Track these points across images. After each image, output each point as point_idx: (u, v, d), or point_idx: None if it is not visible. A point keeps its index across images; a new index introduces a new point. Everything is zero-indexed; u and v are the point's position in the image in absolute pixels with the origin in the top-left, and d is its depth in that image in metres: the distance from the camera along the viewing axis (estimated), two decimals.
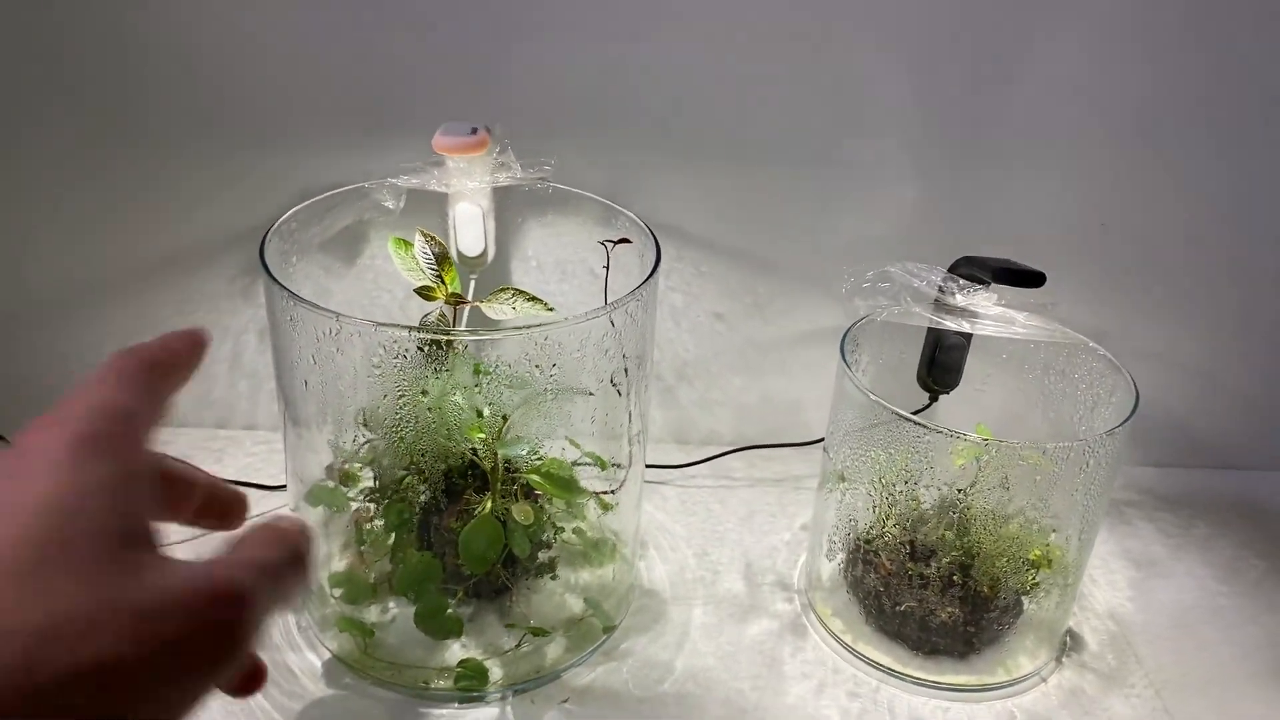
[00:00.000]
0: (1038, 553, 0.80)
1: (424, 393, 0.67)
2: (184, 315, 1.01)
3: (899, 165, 0.97)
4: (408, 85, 0.91)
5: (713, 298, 1.03)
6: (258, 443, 1.05)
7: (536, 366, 0.68)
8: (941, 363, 0.89)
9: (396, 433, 0.70)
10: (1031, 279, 0.77)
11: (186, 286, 1.00)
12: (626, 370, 0.77)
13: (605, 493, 0.84)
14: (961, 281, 0.81)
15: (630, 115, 0.94)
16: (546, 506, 0.84)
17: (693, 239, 1.00)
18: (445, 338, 0.67)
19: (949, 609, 0.81)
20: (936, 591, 0.81)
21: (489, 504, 0.76)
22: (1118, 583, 0.95)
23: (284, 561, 0.37)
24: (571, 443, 0.81)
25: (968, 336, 0.88)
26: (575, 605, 0.84)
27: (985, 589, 0.80)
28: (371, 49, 0.90)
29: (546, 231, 0.96)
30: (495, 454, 0.73)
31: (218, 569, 0.34)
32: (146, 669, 0.30)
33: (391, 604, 0.83)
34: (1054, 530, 0.80)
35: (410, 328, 0.64)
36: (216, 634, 0.32)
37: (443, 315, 0.76)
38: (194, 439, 1.05)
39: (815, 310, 1.03)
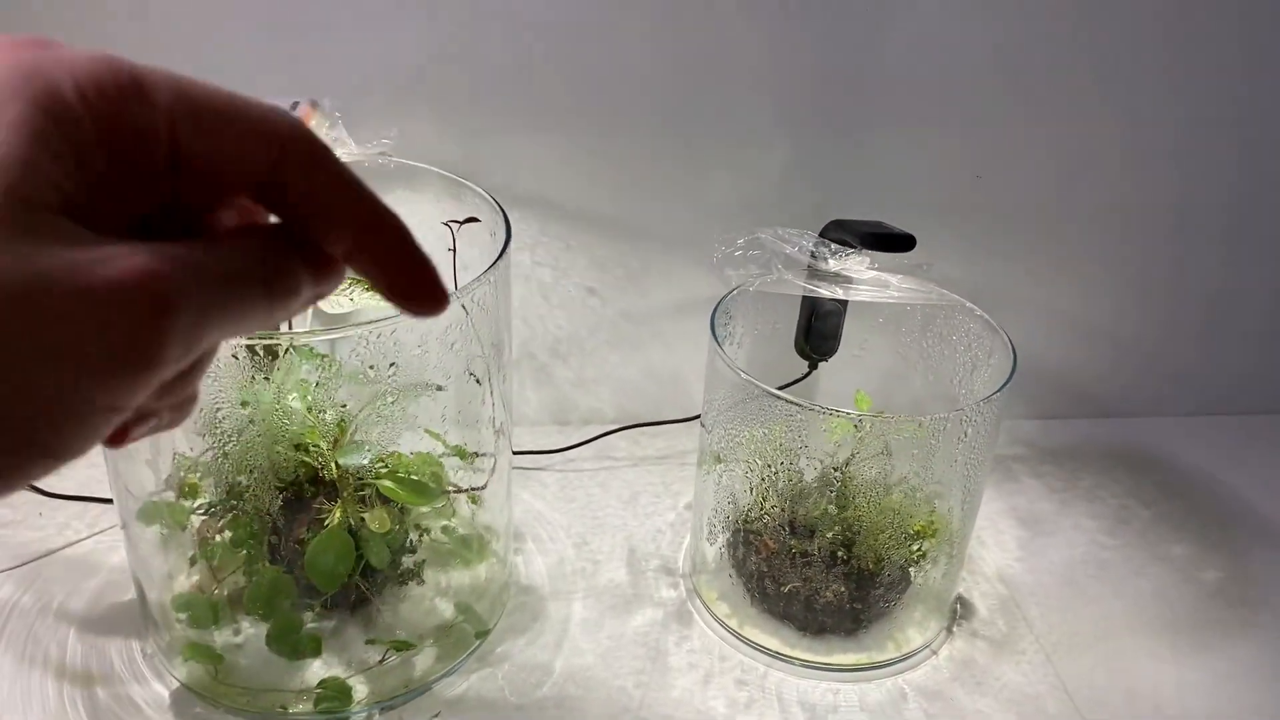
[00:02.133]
0: (921, 523, 0.77)
1: (244, 404, 0.61)
2: None
3: (766, 123, 0.92)
4: (234, 62, 0.84)
5: (583, 271, 0.98)
6: (99, 452, 0.97)
7: (370, 367, 0.62)
8: (818, 330, 0.86)
9: (221, 446, 0.63)
10: (901, 243, 0.74)
11: None
12: (483, 358, 0.71)
13: (472, 490, 0.79)
14: (833, 246, 0.78)
15: (479, 81, 0.87)
16: (409, 509, 0.79)
17: (557, 210, 0.94)
18: (260, 343, 0.61)
19: (834, 586, 0.78)
20: (821, 569, 0.78)
21: (338, 514, 0.70)
22: (1006, 543, 0.93)
23: (247, 274, 0.28)
24: (432, 435, 0.75)
25: (844, 302, 0.84)
26: (446, 610, 0.79)
27: (870, 564, 0.77)
28: (192, 10, 0.82)
29: (401, 211, 0.89)
30: (336, 463, 0.67)
31: (138, 258, 0.25)
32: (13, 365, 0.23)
33: (244, 625, 0.77)
34: (937, 498, 0.77)
35: None
36: (113, 339, 0.24)
37: None
38: None
39: (690, 279, 0.99)
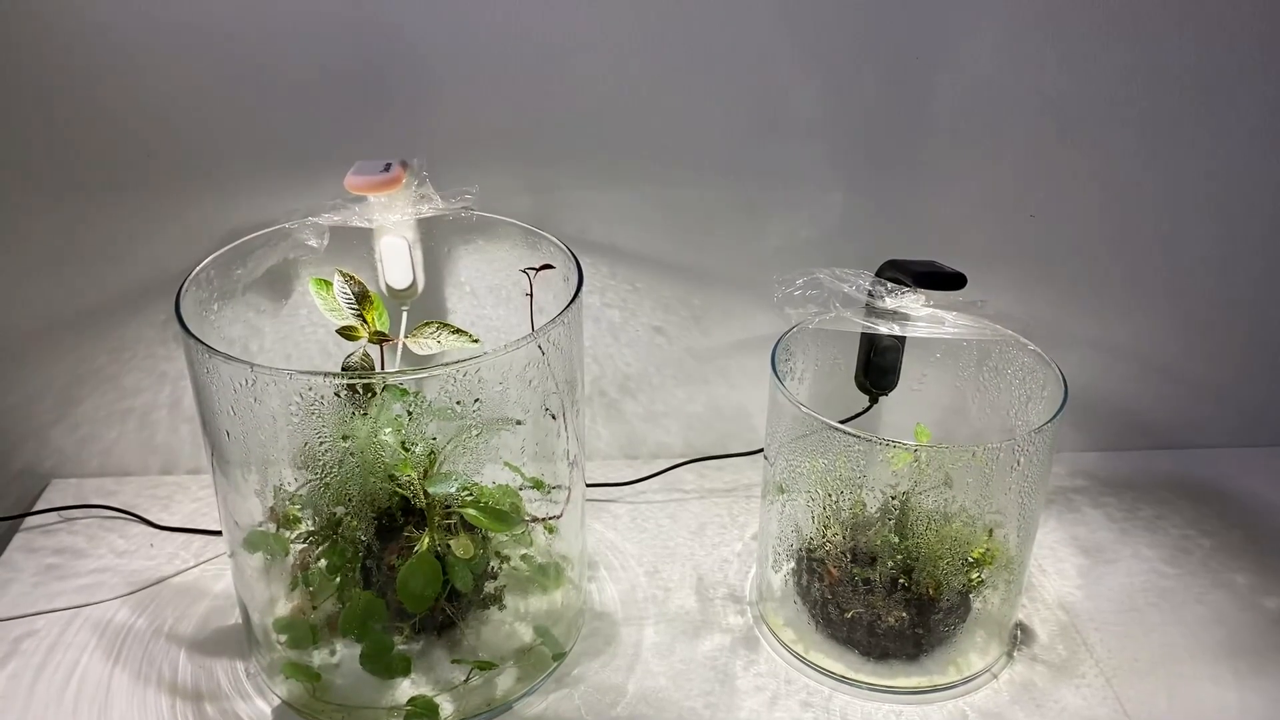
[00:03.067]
0: (979, 550, 0.80)
1: (345, 437, 0.66)
2: (120, 363, 1.00)
3: (823, 168, 0.97)
4: (330, 119, 0.91)
5: (649, 311, 1.03)
6: (203, 487, 1.04)
7: (458, 402, 0.67)
8: (877, 365, 0.89)
9: (321, 477, 0.69)
10: (953, 281, 0.78)
11: (121, 334, 0.99)
12: (558, 394, 0.77)
13: (547, 519, 0.84)
14: (889, 285, 0.82)
15: (551, 138, 0.93)
16: (490, 537, 0.84)
17: (625, 255, 1.00)
18: (359, 381, 0.67)
19: (896, 612, 0.81)
20: (882, 596, 0.81)
21: (426, 541, 0.75)
22: (1066, 571, 0.95)
23: None
24: (511, 467, 0.80)
25: (901, 338, 0.88)
26: (525, 634, 0.84)
27: (930, 590, 0.80)
28: (289, 81, 0.89)
29: (477, 258, 0.96)
30: (425, 492, 0.73)
31: None
32: None
33: (339, 646, 0.82)
34: (996, 526, 0.80)
35: (325, 374, 0.64)
36: None
37: (366, 355, 0.76)
38: (139, 487, 1.04)
39: (751, 317, 1.03)
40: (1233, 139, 0.98)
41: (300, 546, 0.81)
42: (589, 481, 1.05)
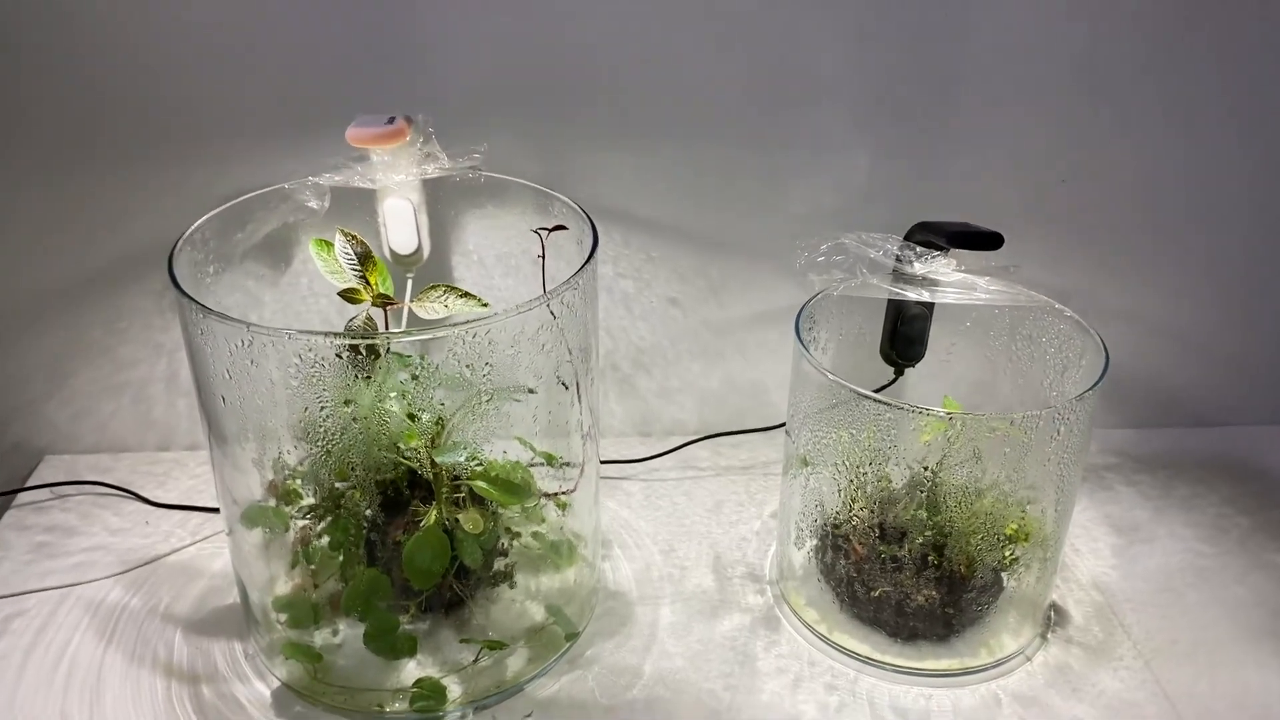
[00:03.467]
0: (1014, 526, 0.76)
1: (347, 403, 0.63)
2: (115, 335, 0.97)
3: (848, 132, 0.93)
4: (330, 79, 0.87)
5: (665, 282, 0.99)
6: (201, 464, 1.00)
7: (468, 366, 0.63)
8: (904, 334, 0.86)
9: (323, 446, 0.65)
10: (989, 241, 0.74)
11: (115, 306, 0.96)
12: (571, 363, 0.73)
13: (560, 493, 0.80)
14: (918, 249, 0.78)
15: (564, 97, 0.89)
16: (500, 512, 0.80)
17: (640, 223, 0.96)
18: (360, 341, 0.63)
19: (925, 591, 0.77)
20: (911, 574, 0.77)
21: (434, 514, 0.72)
22: (1100, 551, 0.91)
23: None
24: (522, 442, 0.77)
25: (930, 306, 0.84)
26: (536, 613, 0.81)
27: (961, 568, 0.76)
28: (287, 41, 0.85)
29: (485, 224, 0.92)
30: (433, 462, 0.69)
31: None
32: None
33: (342, 625, 0.78)
34: (1030, 502, 0.76)
35: (325, 333, 0.60)
36: None
37: (369, 319, 0.72)
38: (135, 463, 1.01)
39: (771, 289, 0.99)
40: (1272, 107, 0.93)
41: (302, 522, 0.77)
42: (602, 459, 1.01)
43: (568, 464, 0.79)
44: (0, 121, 0.86)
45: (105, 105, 0.86)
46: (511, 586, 0.80)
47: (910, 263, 0.78)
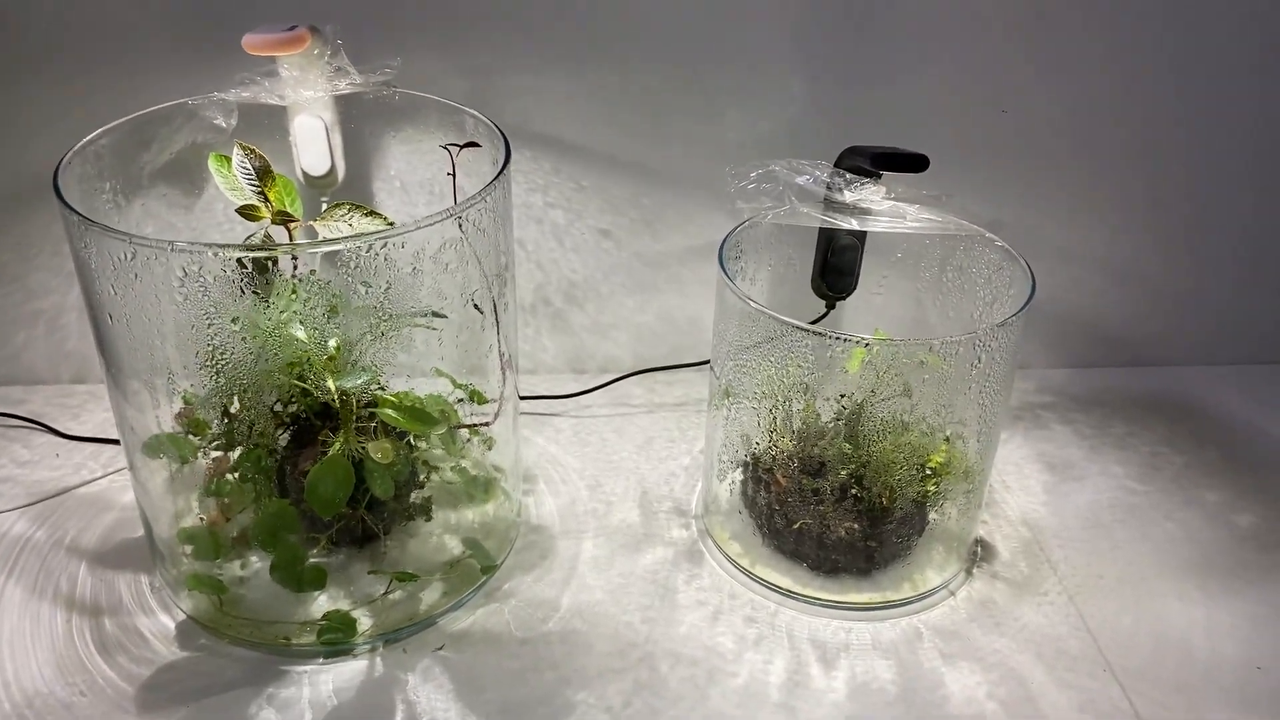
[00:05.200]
0: (937, 459, 0.75)
1: (234, 320, 0.60)
2: (24, 260, 0.93)
3: (784, 55, 0.90)
4: None
5: (596, 213, 0.96)
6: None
7: (364, 285, 0.61)
8: (835, 266, 0.83)
9: (212, 369, 0.63)
10: (914, 163, 0.72)
11: (23, 230, 0.92)
12: (486, 287, 0.70)
13: (477, 425, 0.78)
14: (849, 176, 0.76)
15: (493, 12, 0.86)
16: (418, 445, 0.78)
17: (570, 150, 0.93)
18: (250, 254, 0.60)
19: (846, 524, 0.76)
20: (832, 505, 0.76)
21: (338, 443, 0.69)
22: (1031, 487, 0.90)
23: None
24: (441, 374, 0.74)
25: (861, 237, 0.82)
26: (454, 547, 0.79)
27: (883, 499, 0.75)
28: None
29: (406, 148, 0.88)
30: (333, 387, 0.66)
31: None
32: None
33: (253, 558, 0.76)
34: (955, 437, 0.75)
35: (209, 245, 0.57)
36: None
37: (268, 236, 0.69)
38: (49, 396, 0.98)
39: (706, 222, 0.97)
40: (1222, 30, 0.91)
41: (214, 454, 0.75)
42: (531, 394, 0.99)
43: (486, 398, 0.77)
44: None
45: (7, 18, 0.82)
46: (428, 520, 0.78)
47: (840, 190, 0.76)
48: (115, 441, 0.91)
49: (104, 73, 0.85)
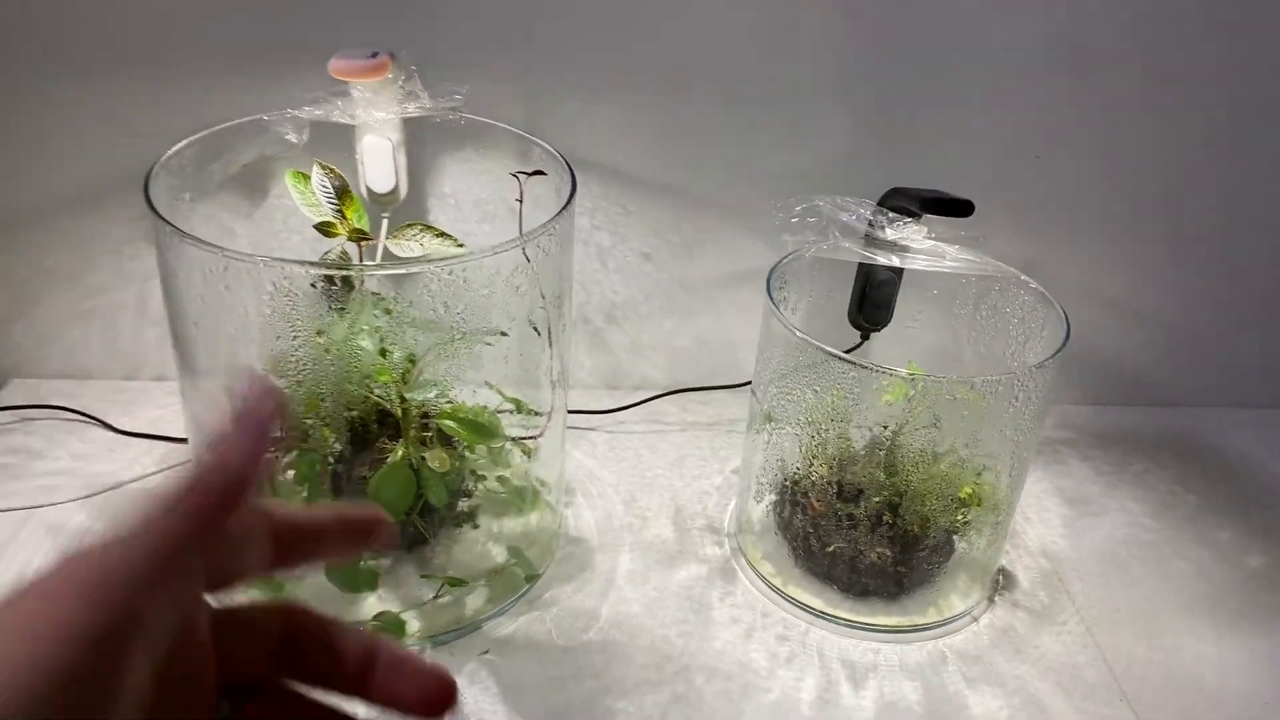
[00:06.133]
0: (968, 490, 0.78)
1: (319, 333, 0.63)
2: (84, 259, 0.96)
3: (829, 95, 0.93)
4: (313, 13, 0.86)
5: (640, 237, 0.99)
6: (168, 394, 1.00)
7: (444, 305, 0.64)
8: (872, 299, 0.87)
9: (294, 378, 0.66)
10: (961, 208, 0.75)
11: (86, 229, 0.95)
12: (545, 309, 0.73)
13: (526, 438, 0.81)
14: (891, 214, 0.79)
15: (550, 44, 0.89)
16: (467, 454, 0.81)
17: (618, 175, 0.96)
18: (336, 271, 0.63)
19: (878, 549, 0.79)
20: (866, 531, 0.79)
21: (401, 451, 0.72)
22: (1050, 520, 0.94)
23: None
24: (491, 387, 0.77)
25: (898, 272, 0.85)
26: (498, 555, 0.82)
27: (915, 528, 0.78)
28: None
29: (464, 168, 0.92)
30: (403, 398, 0.70)
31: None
32: None
33: None
34: (985, 469, 0.78)
35: (301, 262, 0.60)
36: None
37: (344, 253, 0.72)
38: (101, 391, 1.00)
39: (746, 249, 1.00)
40: (1251, 79, 0.95)
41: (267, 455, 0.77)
42: (569, 409, 1.02)
43: (535, 412, 0.80)
44: None
45: (80, 25, 0.85)
46: (474, 527, 0.81)
47: (882, 228, 0.79)
48: (168, 439, 0.94)
49: (171, 83, 0.88)
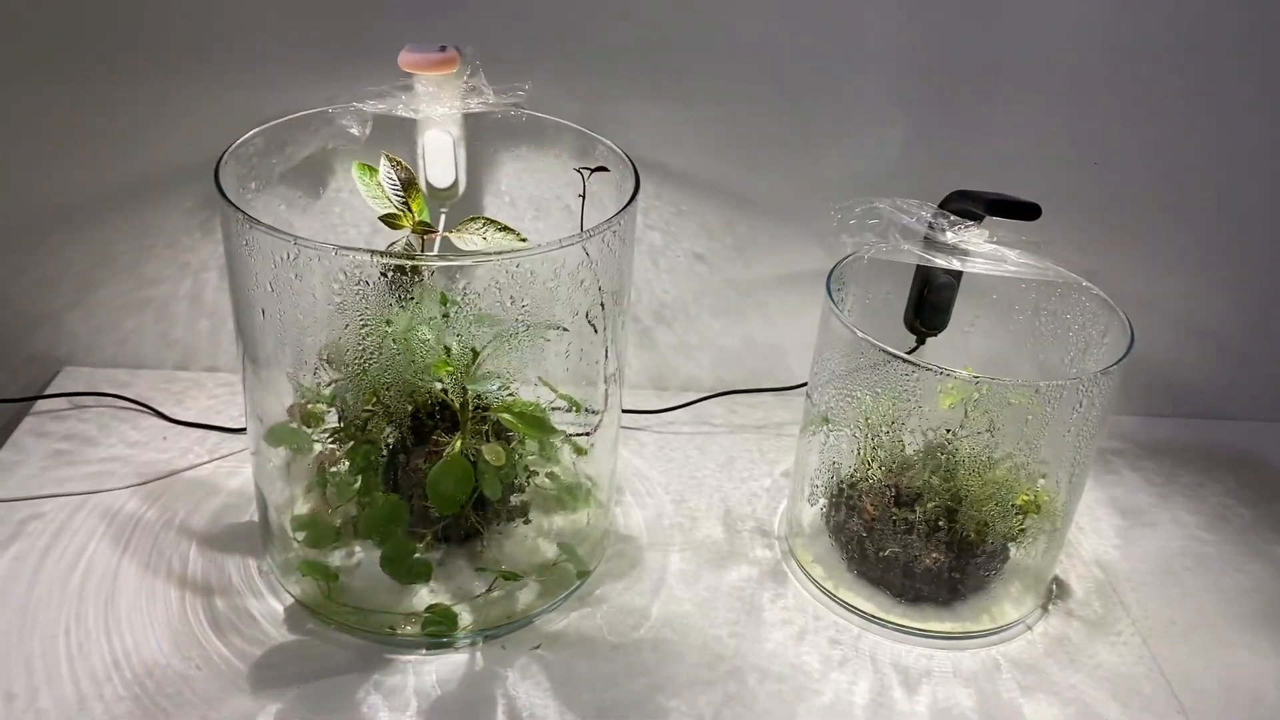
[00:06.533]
0: (1026, 497, 0.77)
1: (389, 323, 0.63)
2: (141, 249, 0.97)
3: (886, 99, 0.93)
4: (376, 7, 0.87)
5: (692, 237, 0.99)
6: (220, 385, 1.01)
7: (510, 299, 0.64)
8: (930, 303, 0.86)
9: (359, 367, 0.66)
10: (1027, 210, 0.75)
11: (143, 219, 0.96)
12: (603, 305, 0.73)
13: (580, 434, 0.81)
14: (952, 218, 0.78)
15: (608, 43, 0.89)
16: (519, 449, 0.81)
17: (672, 175, 0.96)
18: (409, 262, 0.63)
19: (934, 554, 0.78)
20: (921, 537, 0.78)
21: (459, 443, 0.72)
22: (1104, 530, 0.93)
23: None
24: (544, 383, 0.77)
25: (957, 276, 0.85)
26: (548, 550, 0.82)
27: (972, 534, 0.77)
28: None
29: (520, 165, 0.92)
30: (465, 390, 0.70)
31: None
32: None
33: (358, 548, 0.79)
34: (1042, 476, 0.77)
35: (373, 251, 0.60)
36: None
37: (409, 244, 0.72)
38: (153, 380, 1.01)
39: (797, 252, 1.00)
40: None
41: (322, 447, 0.78)
42: None
43: (590, 410, 0.80)
44: (39, 28, 0.86)
45: (147, 14, 0.86)
46: (526, 523, 0.81)
47: (943, 230, 0.79)
48: (220, 429, 0.95)
49: (232, 74, 0.89)
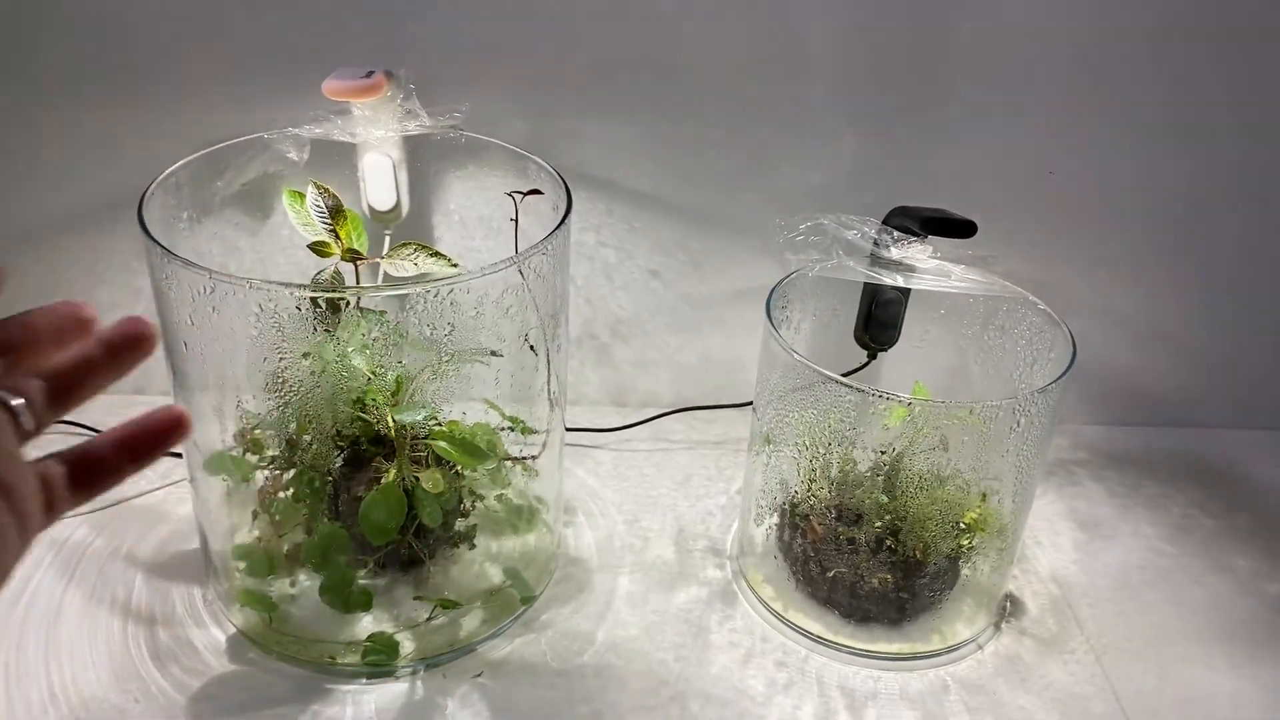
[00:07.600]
0: (972, 515, 0.77)
1: (306, 355, 0.63)
2: (94, 275, 0.97)
3: (838, 113, 0.92)
4: (315, 31, 0.86)
5: (646, 254, 0.98)
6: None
7: (429, 326, 0.63)
8: (878, 319, 0.85)
9: (282, 398, 0.65)
10: (962, 229, 0.74)
11: (94, 247, 0.96)
12: (540, 328, 0.73)
13: (524, 459, 0.80)
14: (895, 234, 0.78)
15: (555, 62, 0.89)
16: (465, 474, 0.80)
17: (623, 192, 0.95)
18: (321, 295, 0.63)
19: (880, 574, 0.77)
20: (866, 556, 0.77)
21: (393, 472, 0.72)
22: (1062, 544, 0.92)
23: None
24: (490, 405, 0.77)
25: (905, 291, 0.84)
26: (495, 575, 0.81)
27: (917, 553, 0.76)
28: None
29: (470, 185, 0.91)
30: (392, 420, 0.69)
31: None
32: None
33: (302, 576, 0.79)
34: (992, 493, 0.77)
35: (287, 284, 0.60)
36: None
37: (337, 273, 0.72)
38: (109, 406, 1.00)
39: (752, 266, 0.99)
40: (1269, 97, 0.92)
41: (266, 474, 0.77)
42: (573, 426, 1.01)
43: (534, 430, 0.79)
44: None
45: (86, 45, 0.86)
46: (471, 548, 0.81)
47: (887, 247, 0.78)
48: (172, 454, 0.94)
49: (176, 101, 0.89)
